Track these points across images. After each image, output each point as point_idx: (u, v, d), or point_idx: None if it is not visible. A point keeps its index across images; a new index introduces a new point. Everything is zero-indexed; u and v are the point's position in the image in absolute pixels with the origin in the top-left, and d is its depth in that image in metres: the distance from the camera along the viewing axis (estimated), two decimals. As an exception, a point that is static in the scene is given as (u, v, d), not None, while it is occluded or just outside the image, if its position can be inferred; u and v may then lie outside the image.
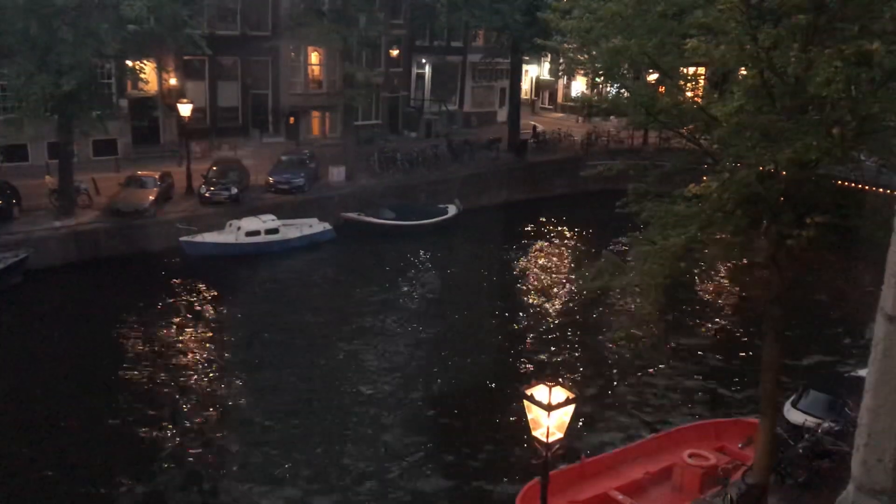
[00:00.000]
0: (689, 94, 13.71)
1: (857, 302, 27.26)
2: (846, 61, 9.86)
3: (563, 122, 50.88)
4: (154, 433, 18.14)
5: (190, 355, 22.35)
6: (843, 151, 11.61)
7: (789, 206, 12.20)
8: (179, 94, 35.75)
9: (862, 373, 17.92)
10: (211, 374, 21.27)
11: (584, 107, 51.52)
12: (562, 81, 55.48)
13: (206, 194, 31.28)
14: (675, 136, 15.03)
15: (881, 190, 24.58)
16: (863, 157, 13.78)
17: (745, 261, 16.13)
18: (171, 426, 18.48)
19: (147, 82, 31.96)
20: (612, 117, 36.99)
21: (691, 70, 15.29)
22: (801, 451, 14.62)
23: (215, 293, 26.71)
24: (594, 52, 13.47)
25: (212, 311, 25.59)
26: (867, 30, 10.71)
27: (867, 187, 24.21)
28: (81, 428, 18.22)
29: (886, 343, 1.84)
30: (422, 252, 32.44)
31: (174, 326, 24.08)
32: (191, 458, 17.36)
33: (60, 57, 25.50)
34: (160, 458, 17.21)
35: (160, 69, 34.21)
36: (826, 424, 15.41)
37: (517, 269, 31.35)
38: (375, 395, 20.50)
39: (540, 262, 32.72)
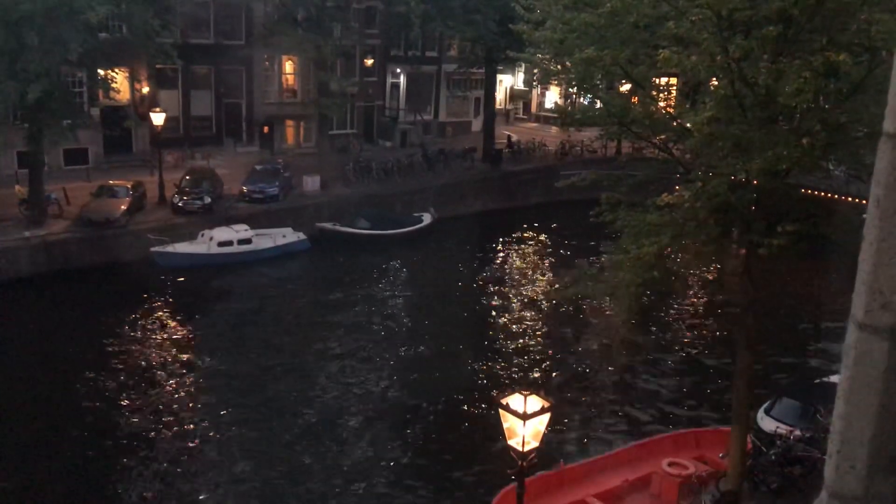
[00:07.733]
0: (661, 104, 13.84)
1: (829, 309, 27.64)
2: (815, 72, 10.03)
3: (537, 131, 51.16)
4: (119, 442, 17.90)
5: (157, 367, 21.99)
6: (812, 161, 11.80)
7: (760, 214, 12.35)
8: (152, 102, 35.42)
9: (834, 380, 18.15)
10: (177, 387, 21.00)
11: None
12: (536, 91, 55.85)
13: (180, 204, 31.01)
14: (648, 145, 15.16)
15: (850, 199, 24.98)
16: (832, 167, 13.98)
17: (717, 268, 16.30)
18: (135, 438, 18.20)
19: (119, 91, 31.61)
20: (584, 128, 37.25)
21: (663, 80, 15.45)
22: (772, 457, 14.76)
23: (185, 305, 26.39)
24: (567, 63, 13.56)
25: (180, 324, 25.28)
26: (834, 42, 10.91)
27: (837, 196, 24.62)
28: (47, 440, 17.89)
29: (858, 350, 1.85)
30: (396, 261, 32.37)
31: (143, 338, 23.73)
32: (155, 473, 17.10)
33: (27, 64, 25.15)
34: (124, 472, 16.95)
35: (132, 78, 33.88)
36: (797, 431, 15.59)
37: (492, 278, 31.35)
38: (349, 404, 20.37)
39: (515, 270, 32.79)
